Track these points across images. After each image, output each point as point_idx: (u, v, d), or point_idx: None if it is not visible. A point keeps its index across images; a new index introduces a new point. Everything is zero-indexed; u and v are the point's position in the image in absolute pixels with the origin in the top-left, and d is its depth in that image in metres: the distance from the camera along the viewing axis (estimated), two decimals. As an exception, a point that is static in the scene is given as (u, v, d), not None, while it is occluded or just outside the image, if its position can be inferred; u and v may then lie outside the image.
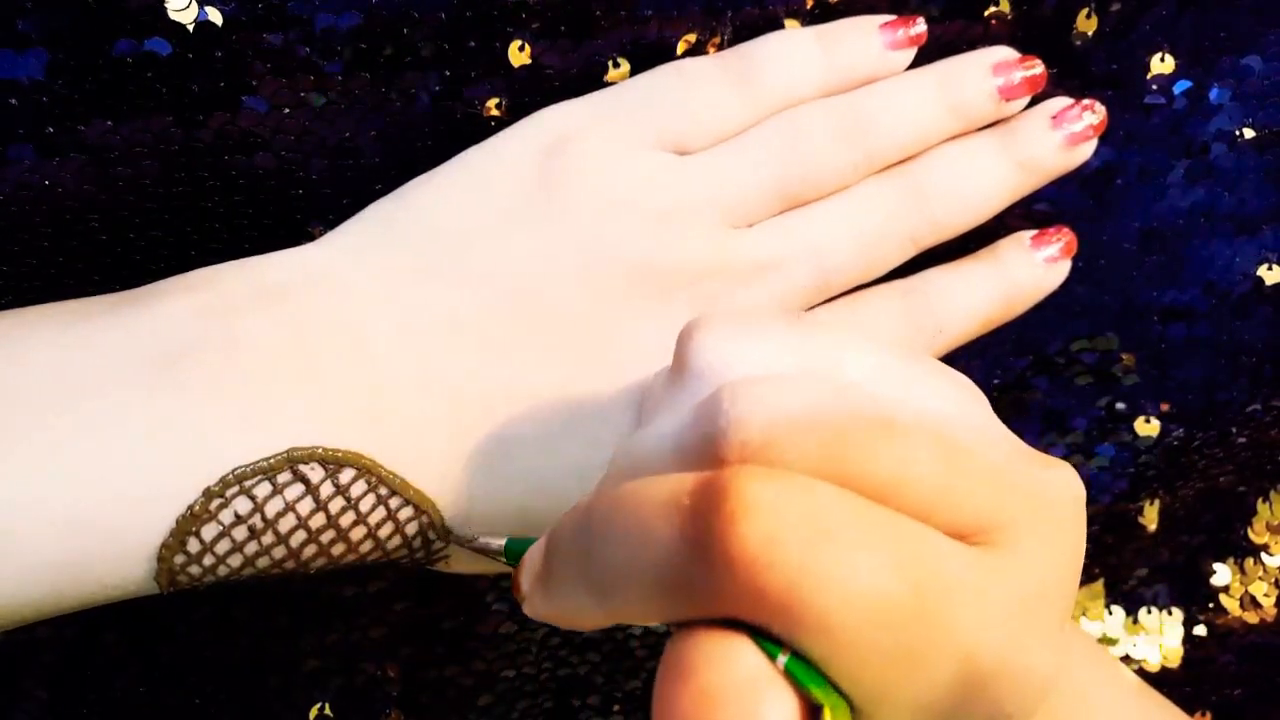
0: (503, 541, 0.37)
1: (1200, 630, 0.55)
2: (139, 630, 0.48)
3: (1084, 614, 0.54)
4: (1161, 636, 0.54)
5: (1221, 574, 0.54)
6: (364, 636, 0.50)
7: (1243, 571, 0.54)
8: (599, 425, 0.41)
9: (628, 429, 0.41)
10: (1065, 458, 0.51)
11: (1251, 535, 0.54)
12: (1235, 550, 0.54)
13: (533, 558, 0.33)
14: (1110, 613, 0.54)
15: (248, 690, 0.49)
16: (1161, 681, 0.54)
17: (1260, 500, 0.53)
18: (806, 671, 0.28)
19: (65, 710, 0.48)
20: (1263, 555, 0.54)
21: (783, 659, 0.28)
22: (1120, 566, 0.54)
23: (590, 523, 0.30)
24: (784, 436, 0.28)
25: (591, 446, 0.41)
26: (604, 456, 0.41)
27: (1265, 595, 0.54)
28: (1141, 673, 0.54)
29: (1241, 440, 0.52)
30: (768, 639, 0.28)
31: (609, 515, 0.29)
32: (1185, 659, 0.55)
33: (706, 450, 0.29)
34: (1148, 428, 0.51)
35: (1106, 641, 0.54)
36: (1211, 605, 0.54)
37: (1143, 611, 0.54)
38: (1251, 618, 0.54)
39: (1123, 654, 0.54)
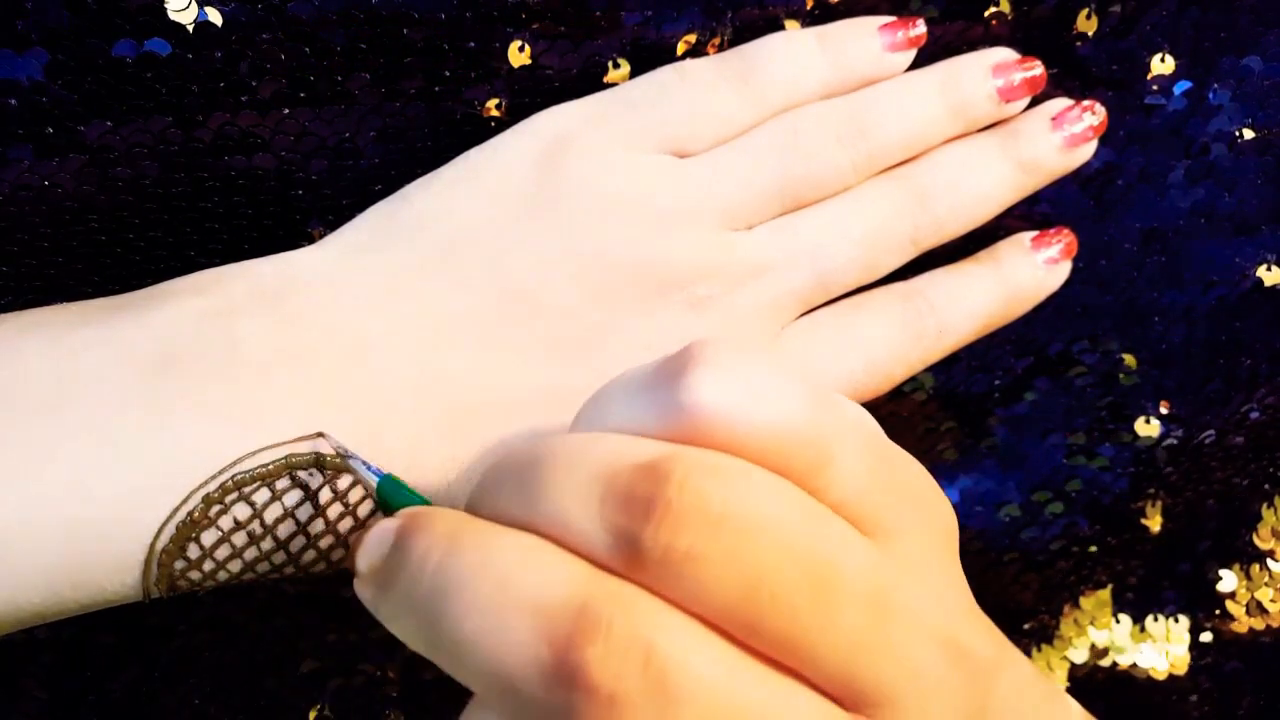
0: (375, 478, 0.35)
1: (1206, 637, 0.54)
2: (137, 631, 0.48)
3: (1091, 623, 0.54)
4: (1168, 644, 0.54)
5: (1228, 580, 0.54)
6: (363, 637, 0.50)
7: (1249, 577, 0.54)
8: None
9: None
10: (1066, 458, 0.51)
11: (1257, 541, 0.53)
12: (1241, 556, 0.54)
13: (376, 547, 0.31)
14: (1118, 621, 0.54)
15: (246, 691, 0.49)
16: (1169, 690, 0.54)
17: (1265, 506, 0.53)
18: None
19: (64, 710, 0.48)
20: (1268, 561, 0.54)
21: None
22: (1125, 571, 0.53)
23: (449, 569, 0.29)
24: (741, 416, 0.29)
25: None
26: None
27: (1271, 601, 0.54)
28: (1149, 680, 0.54)
29: (1239, 441, 0.52)
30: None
31: (470, 578, 0.29)
32: (1192, 666, 0.54)
33: (666, 410, 0.30)
34: (1148, 428, 0.51)
35: (1115, 650, 0.54)
36: (1218, 612, 0.54)
37: (1149, 619, 0.54)
38: (1258, 624, 0.54)
39: (1130, 662, 0.54)
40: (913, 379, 0.48)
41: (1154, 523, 0.53)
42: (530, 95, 0.44)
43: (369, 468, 0.36)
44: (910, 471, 0.32)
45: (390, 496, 0.34)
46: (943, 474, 0.51)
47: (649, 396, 0.30)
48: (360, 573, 0.32)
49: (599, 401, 0.32)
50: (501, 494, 0.31)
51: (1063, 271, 0.47)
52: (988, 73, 0.44)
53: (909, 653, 0.29)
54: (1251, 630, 0.54)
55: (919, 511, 0.31)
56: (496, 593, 0.28)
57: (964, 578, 0.33)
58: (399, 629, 0.30)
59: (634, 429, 0.30)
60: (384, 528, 0.31)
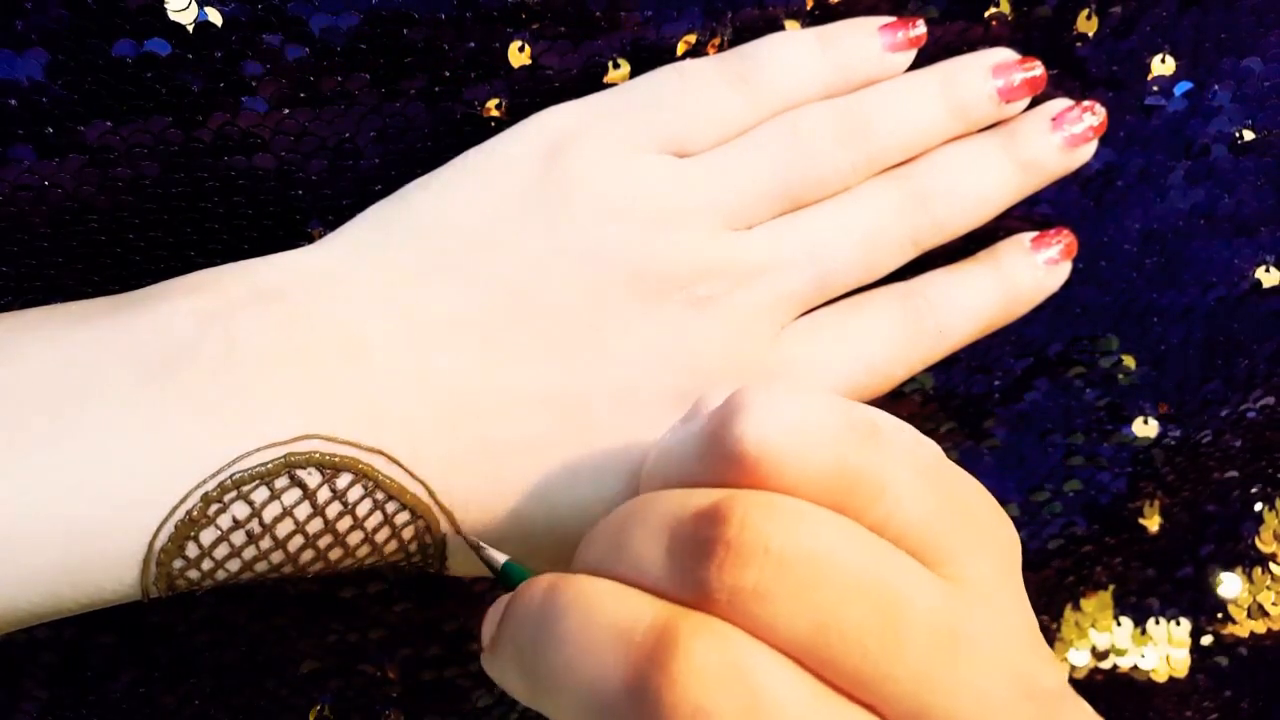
0: (503, 560, 0.37)
1: (1207, 640, 0.54)
2: (138, 631, 0.48)
3: (1093, 625, 0.54)
4: (1169, 647, 0.54)
5: (1229, 584, 0.54)
6: (363, 638, 0.50)
7: (1250, 581, 0.54)
8: (593, 429, 0.41)
9: (622, 433, 0.41)
10: (1064, 458, 0.51)
11: (1259, 544, 0.53)
12: (1243, 559, 0.54)
13: (493, 613, 0.34)
14: (1119, 624, 0.54)
15: (246, 691, 0.49)
16: (1169, 692, 0.54)
17: (1268, 509, 0.53)
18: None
19: (65, 710, 0.48)
20: (1270, 565, 0.54)
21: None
22: (1125, 572, 0.53)
23: (544, 612, 0.31)
24: (788, 455, 0.30)
25: (585, 451, 0.41)
26: (597, 461, 0.41)
27: (1273, 604, 0.54)
28: (1149, 683, 0.54)
29: (1237, 442, 0.52)
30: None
31: (562, 614, 0.30)
32: (1192, 669, 0.54)
33: (718, 460, 0.31)
34: (1146, 429, 0.51)
35: (1115, 653, 0.54)
36: (1220, 615, 0.54)
37: (1150, 622, 0.54)
38: (1259, 627, 0.54)
39: (1131, 664, 0.54)
40: (913, 379, 0.48)
41: (1152, 522, 0.53)
42: (530, 95, 0.44)
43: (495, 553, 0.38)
44: (970, 495, 0.33)
45: (514, 576, 0.37)
46: (942, 475, 0.51)
47: (702, 449, 0.32)
48: (484, 645, 0.34)
49: (657, 458, 0.35)
50: (591, 553, 0.33)
51: (1062, 272, 0.47)
52: (988, 73, 0.44)
53: (979, 685, 0.29)
54: (1253, 634, 0.54)
55: (981, 535, 0.32)
56: (585, 623, 0.30)
57: (1027, 600, 0.33)
58: (508, 680, 0.33)
59: (695, 481, 0.32)
60: (502, 600, 0.34)
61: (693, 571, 0.29)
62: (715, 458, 0.31)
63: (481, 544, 0.38)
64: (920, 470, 0.31)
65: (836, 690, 0.29)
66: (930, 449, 0.33)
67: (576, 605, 0.30)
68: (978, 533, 0.32)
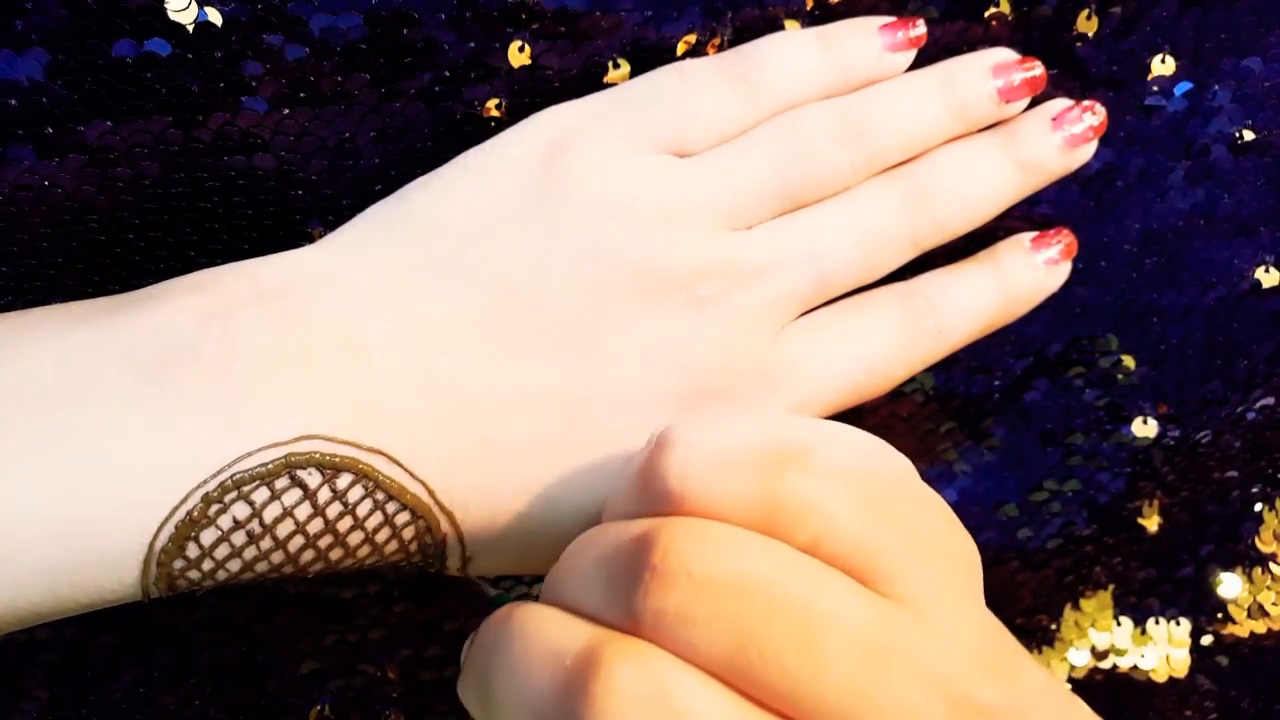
0: (493, 594, 0.38)
1: (1208, 640, 0.54)
2: (138, 631, 0.48)
3: (1093, 625, 0.54)
4: (1169, 647, 0.54)
5: (1229, 584, 0.54)
6: (363, 638, 0.50)
7: (1250, 581, 0.54)
8: (593, 429, 0.41)
9: (622, 433, 0.41)
10: (1064, 458, 0.51)
11: (1259, 544, 0.53)
12: (1243, 559, 0.54)
13: (467, 644, 0.36)
14: (1119, 624, 0.54)
15: (247, 692, 0.49)
16: (1169, 692, 0.54)
17: (1268, 509, 0.53)
18: None
19: (65, 710, 0.48)
20: (1270, 565, 0.53)
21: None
22: (1125, 572, 0.53)
23: (495, 638, 0.33)
24: (711, 484, 0.32)
25: (585, 451, 0.41)
26: (597, 461, 0.41)
27: (1273, 604, 0.54)
28: (1149, 683, 0.54)
29: (1236, 442, 0.52)
30: None
31: (509, 640, 0.32)
32: (1193, 669, 0.54)
33: (648, 496, 0.33)
34: (1145, 429, 0.51)
35: (1115, 653, 0.54)
36: (1220, 615, 0.54)
37: (1150, 622, 0.54)
38: (1259, 627, 0.54)
39: (1131, 664, 0.54)
40: (913, 379, 0.48)
41: (1151, 522, 0.53)
42: (530, 95, 0.44)
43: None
44: (917, 511, 0.33)
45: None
46: (943, 474, 0.51)
47: (638, 485, 0.34)
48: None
49: (610, 491, 0.36)
50: (549, 583, 0.35)
51: (1062, 272, 0.47)
52: (988, 73, 0.44)
53: (907, 700, 0.29)
54: (1253, 634, 0.54)
55: (926, 552, 0.32)
56: (526, 648, 0.32)
57: (984, 612, 0.33)
58: (470, 704, 0.35)
59: (635, 514, 0.34)
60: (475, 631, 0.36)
61: (622, 596, 0.30)
62: (646, 493, 0.33)
63: (476, 579, 0.39)
64: (854, 490, 0.32)
65: (765, 708, 0.29)
66: (874, 466, 0.34)
67: (522, 631, 0.32)
68: (921, 549, 0.32)
